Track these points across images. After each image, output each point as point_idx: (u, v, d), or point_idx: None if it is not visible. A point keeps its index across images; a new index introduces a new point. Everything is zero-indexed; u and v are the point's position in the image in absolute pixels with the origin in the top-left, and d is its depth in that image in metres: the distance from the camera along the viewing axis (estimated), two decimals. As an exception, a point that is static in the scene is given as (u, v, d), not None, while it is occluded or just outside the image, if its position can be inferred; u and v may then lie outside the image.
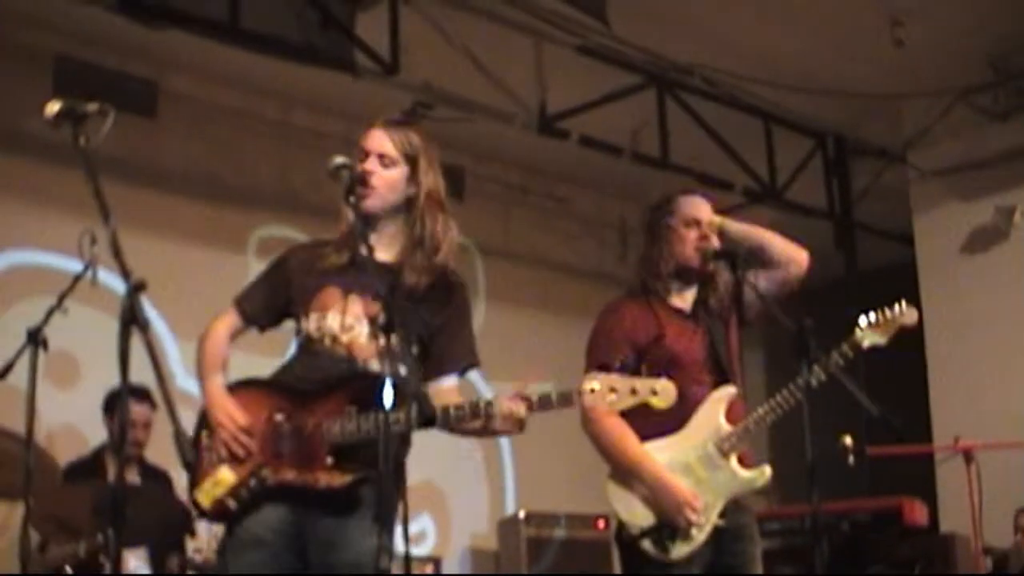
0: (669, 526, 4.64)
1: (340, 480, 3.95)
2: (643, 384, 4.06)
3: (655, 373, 4.72)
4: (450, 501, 9.80)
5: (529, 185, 10.71)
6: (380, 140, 4.32)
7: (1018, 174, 9.75)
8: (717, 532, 4.71)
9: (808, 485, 4.44)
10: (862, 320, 4.85)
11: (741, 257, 4.88)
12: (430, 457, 9.09)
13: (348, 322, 4.16)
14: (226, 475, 4.04)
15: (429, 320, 4.27)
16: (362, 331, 4.14)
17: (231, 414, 4.03)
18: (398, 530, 3.63)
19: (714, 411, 4.81)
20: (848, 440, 5.74)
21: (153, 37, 7.75)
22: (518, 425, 4.12)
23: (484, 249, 10.42)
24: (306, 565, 4.01)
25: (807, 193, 10.30)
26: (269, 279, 4.38)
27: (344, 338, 4.12)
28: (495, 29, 8.31)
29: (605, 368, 4.57)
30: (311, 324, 4.17)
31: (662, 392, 4.06)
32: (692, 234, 4.97)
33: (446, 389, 4.32)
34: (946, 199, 10.25)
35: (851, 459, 5.44)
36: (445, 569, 9.13)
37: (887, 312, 4.88)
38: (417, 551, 9.13)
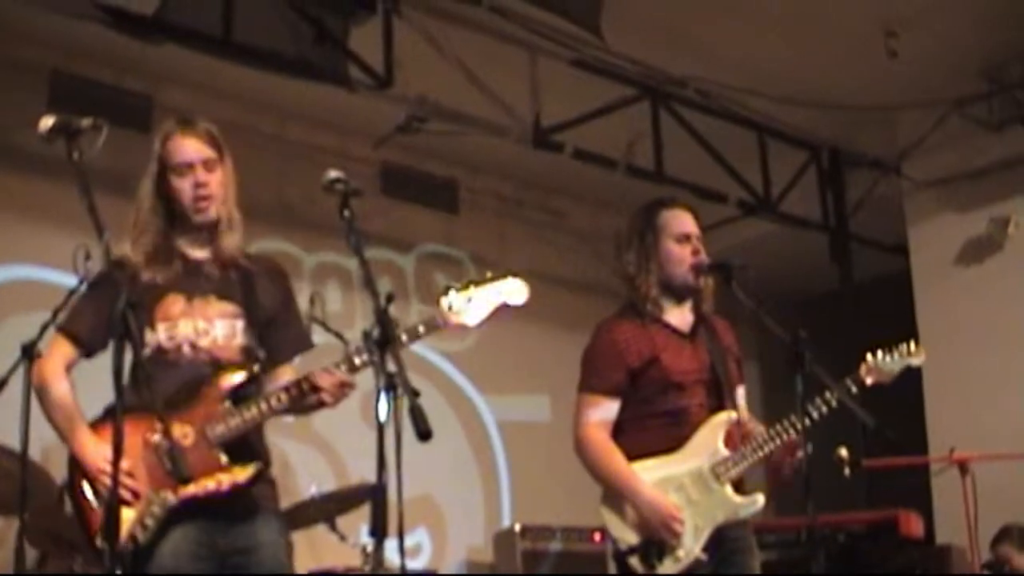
0: (655, 544, 4.66)
1: (243, 474, 3.96)
2: (494, 288, 4.29)
3: (650, 394, 4.78)
4: (446, 514, 9.78)
5: (523, 198, 10.72)
6: (196, 147, 4.31)
7: (1013, 185, 9.75)
8: (716, 545, 4.72)
9: (804, 497, 4.46)
10: (869, 357, 4.85)
11: (735, 268, 4.88)
12: (426, 471, 9.10)
13: (202, 326, 4.16)
14: (125, 513, 3.92)
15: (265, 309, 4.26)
16: (217, 333, 4.13)
17: (108, 460, 3.70)
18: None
19: (713, 435, 4.83)
20: (844, 452, 5.75)
21: (148, 52, 7.75)
22: (347, 390, 4.10)
23: (478, 262, 10.40)
24: None
25: (801, 205, 10.30)
26: (94, 300, 4.25)
27: (203, 342, 4.10)
28: (489, 42, 8.31)
29: (595, 390, 4.66)
30: (160, 335, 4.14)
31: (515, 289, 4.34)
32: (686, 251, 4.96)
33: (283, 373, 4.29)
34: (940, 210, 10.25)
35: (847, 471, 5.44)
36: (441, 583, 9.12)
37: (895, 351, 4.88)
38: (413, 564, 9.12)
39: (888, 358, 4.89)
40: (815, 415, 4.71)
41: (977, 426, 9.33)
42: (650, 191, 8.64)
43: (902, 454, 8.21)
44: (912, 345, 4.94)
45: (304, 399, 4.10)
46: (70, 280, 5.25)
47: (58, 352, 4.24)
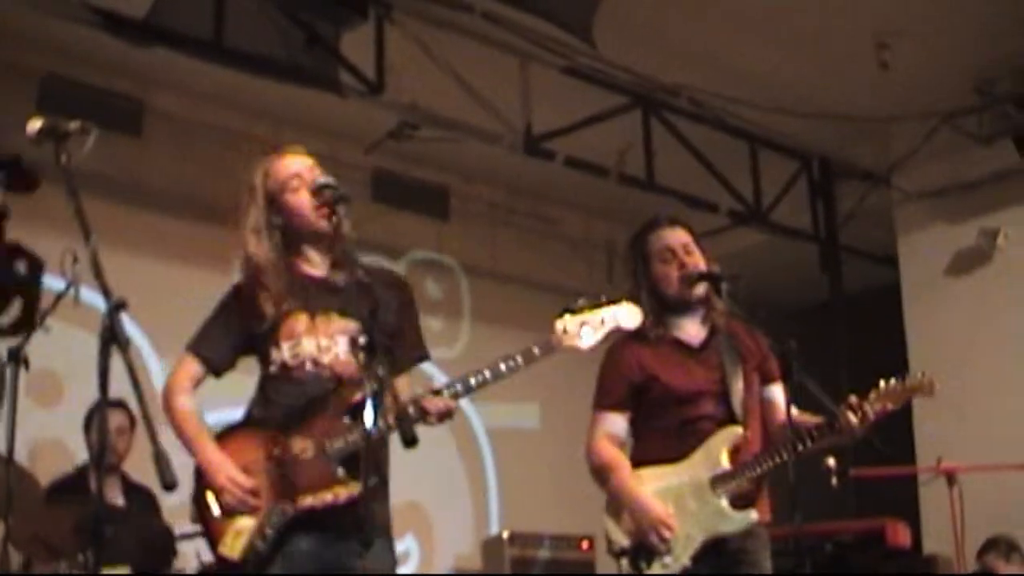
0: (644, 549, 4.70)
1: (358, 487, 3.99)
2: (609, 311, 4.32)
3: (655, 407, 4.83)
4: (434, 521, 9.79)
5: (515, 205, 10.72)
6: (303, 159, 4.49)
7: (1002, 197, 9.77)
8: (716, 556, 4.75)
9: (791, 507, 4.47)
10: (881, 384, 4.85)
11: (725, 277, 4.89)
12: (415, 478, 9.09)
13: (324, 343, 4.22)
14: (245, 522, 4.08)
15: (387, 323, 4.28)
16: (339, 349, 4.19)
17: (232, 477, 4.07)
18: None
19: (717, 448, 4.85)
20: (832, 461, 5.77)
21: (139, 55, 7.76)
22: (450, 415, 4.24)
23: (469, 269, 10.43)
24: None
25: (792, 215, 10.32)
26: (223, 320, 4.40)
27: (325, 359, 4.17)
28: (481, 49, 8.32)
29: (601, 407, 4.75)
30: (285, 353, 4.23)
31: (628, 312, 4.37)
32: (671, 267, 4.98)
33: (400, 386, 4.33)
34: (930, 222, 10.27)
35: (835, 480, 5.45)
36: (428, 589, 9.12)
37: (906, 379, 4.89)
38: (401, 571, 9.10)
39: (899, 385, 4.88)
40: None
41: (965, 437, 9.35)
42: (641, 199, 8.69)
43: (890, 464, 8.20)
44: (923, 374, 4.94)
45: (413, 422, 4.15)
46: (58, 284, 5.25)
47: (184, 371, 4.36)
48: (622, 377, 4.94)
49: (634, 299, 4.82)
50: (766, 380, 5.07)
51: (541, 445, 10.15)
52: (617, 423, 4.96)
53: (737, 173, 9.76)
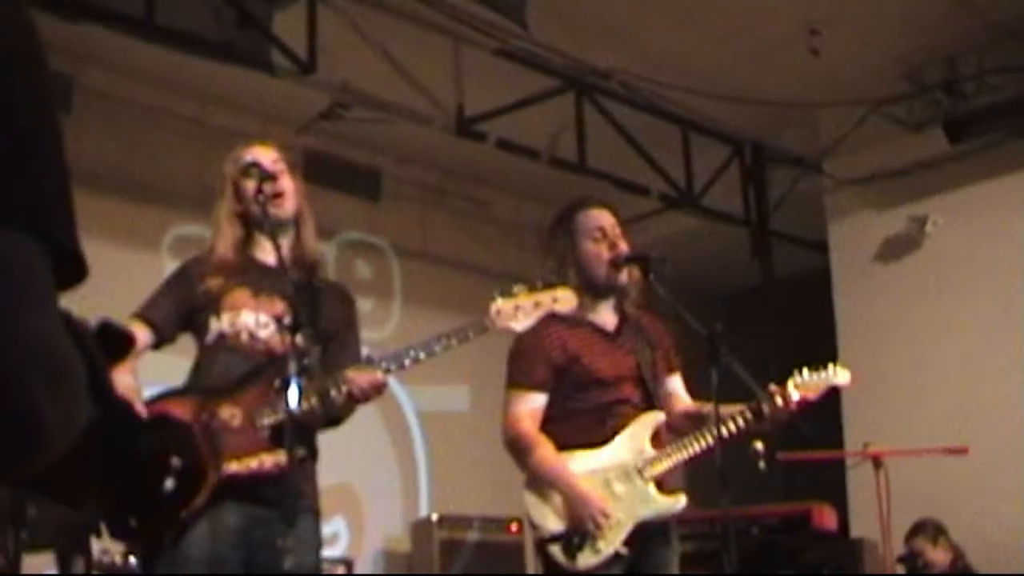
0: (578, 535, 4.68)
1: (286, 457, 3.99)
2: (544, 296, 4.39)
3: (575, 390, 4.82)
4: (364, 503, 9.76)
5: (447, 187, 10.70)
6: (269, 151, 4.60)
7: (931, 184, 9.85)
8: (635, 540, 4.75)
9: (719, 489, 4.50)
10: (796, 377, 4.90)
11: (653, 260, 4.90)
12: (344, 459, 9.07)
13: (263, 319, 4.27)
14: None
15: (327, 326, 4.40)
16: (274, 329, 4.22)
17: None
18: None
19: (641, 433, 4.87)
20: (759, 445, 5.77)
21: (69, 31, 7.65)
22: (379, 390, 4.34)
23: (400, 251, 10.40)
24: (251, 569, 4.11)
25: (724, 200, 10.35)
26: (170, 290, 4.50)
27: (262, 334, 4.20)
28: (413, 30, 8.28)
29: (521, 385, 4.72)
30: (224, 323, 4.25)
31: (562, 298, 4.43)
32: (602, 247, 4.98)
33: None
34: (860, 208, 10.35)
35: (762, 464, 5.46)
36: (357, 571, 9.08)
37: (820, 372, 4.94)
38: (330, 553, 9.08)
39: (815, 376, 4.93)
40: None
41: (892, 421, 9.43)
42: (573, 182, 8.69)
43: (818, 448, 8.27)
44: (837, 368, 4.99)
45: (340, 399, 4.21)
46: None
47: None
48: (546, 357, 4.90)
49: (556, 276, 4.85)
50: (668, 370, 5.11)
51: (471, 428, 10.14)
52: (538, 403, 4.91)
53: (669, 158, 9.78)
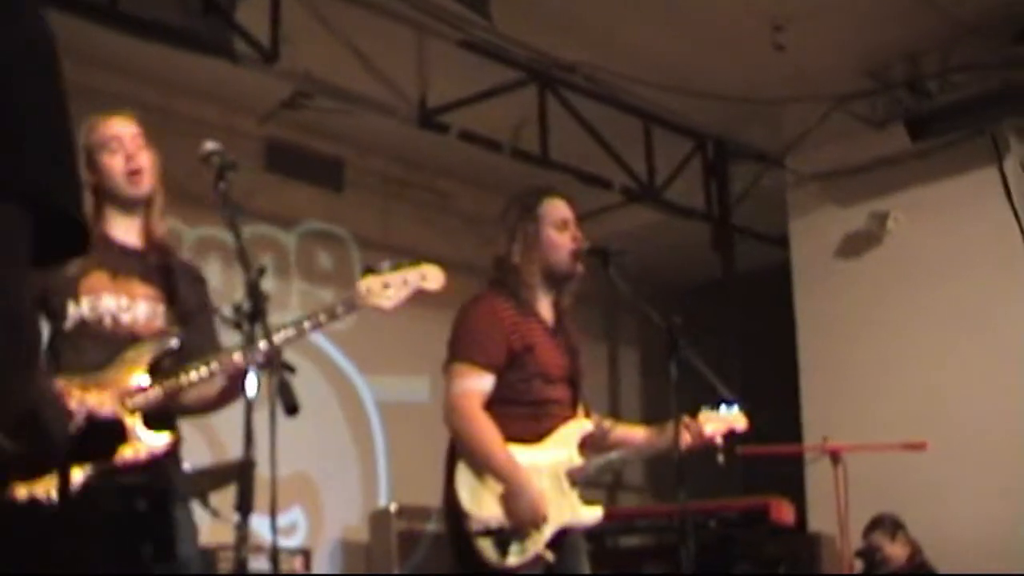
0: (512, 532, 4.63)
1: (159, 442, 3.95)
2: (412, 273, 4.39)
3: (519, 380, 4.78)
4: (322, 493, 9.74)
5: (409, 179, 10.67)
6: (128, 124, 4.42)
7: (892, 181, 9.89)
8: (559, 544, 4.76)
9: (676, 483, 4.51)
10: (704, 412, 4.96)
11: (613, 252, 4.90)
12: (303, 449, 9.06)
13: (124, 303, 4.20)
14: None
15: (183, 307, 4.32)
16: (139, 312, 4.15)
17: None
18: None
19: (572, 438, 4.87)
20: (718, 440, 5.80)
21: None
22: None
23: (361, 241, 10.37)
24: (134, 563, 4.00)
25: (686, 194, 10.36)
26: None
27: (125, 318, 4.13)
28: (377, 20, 8.26)
29: (476, 362, 4.66)
30: (84, 308, 4.16)
31: (431, 277, 4.44)
32: (565, 237, 4.97)
33: None
34: (822, 204, 10.38)
35: (721, 458, 5.48)
36: (315, 561, 9.05)
37: (721, 412, 5.00)
38: (288, 543, 9.07)
39: (716, 415, 4.99)
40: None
41: (851, 417, 9.47)
42: (536, 175, 8.68)
43: (776, 442, 8.30)
44: (736, 409, 5.04)
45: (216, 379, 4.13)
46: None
47: None
48: (504, 338, 4.82)
49: (523, 259, 4.84)
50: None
51: (431, 419, 10.04)
52: (488, 384, 4.79)
53: (631, 151, 9.77)
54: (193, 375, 4.04)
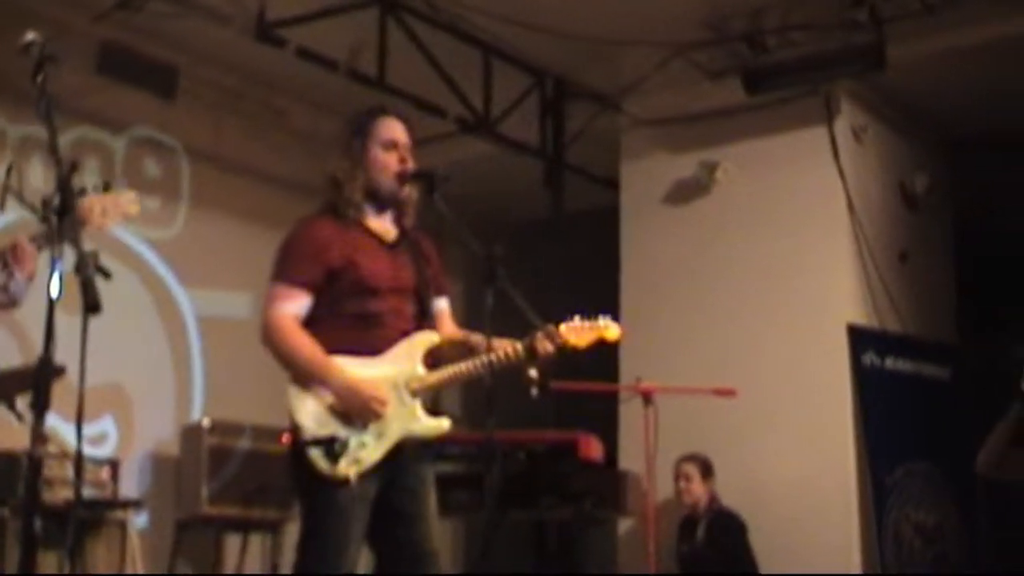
0: (339, 440, 4.65)
1: None
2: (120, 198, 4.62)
3: (343, 295, 4.78)
4: (135, 404, 9.61)
5: (244, 92, 10.51)
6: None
7: (725, 133, 10.03)
8: (395, 455, 4.76)
9: (486, 413, 4.54)
10: (569, 321, 4.92)
11: (438, 177, 4.91)
12: (117, 359, 8.94)
13: None
14: None
15: None
16: None
17: None
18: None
19: (414, 351, 4.87)
20: (533, 372, 5.86)
21: None
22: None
23: (192, 152, 10.22)
24: None
25: (520, 129, 10.38)
26: None
27: None
28: (220, -73, 8.13)
29: (292, 282, 4.65)
30: None
31: (127, 200, 4.65)
32: (391, 158, 4.98)
33: None
34: (654, 149, 10.48)
35: (534, 391, 5.54)
36: (123, 472, 8.93)
37: (593, 321, 4.96)
38: (97, 452, 8.96)
39: (587, 324, 4.97)
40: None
41: (665, 360, 9.62)
42: (371, 98, 8.59)
43: (593, 380, 8.39)
44: (608, 320, 5.02)
45: None
46: None
47: None
48: (320, 257, 4.84)
49: (346, 176, 4.86)
50: (438, 291, 5.13)
51: (251, 336, 10.00)
52: (304, 305, 4.83)
53: (469, 83, 9.75)
54: None
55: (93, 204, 4.38)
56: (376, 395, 4.69)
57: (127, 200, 4.67)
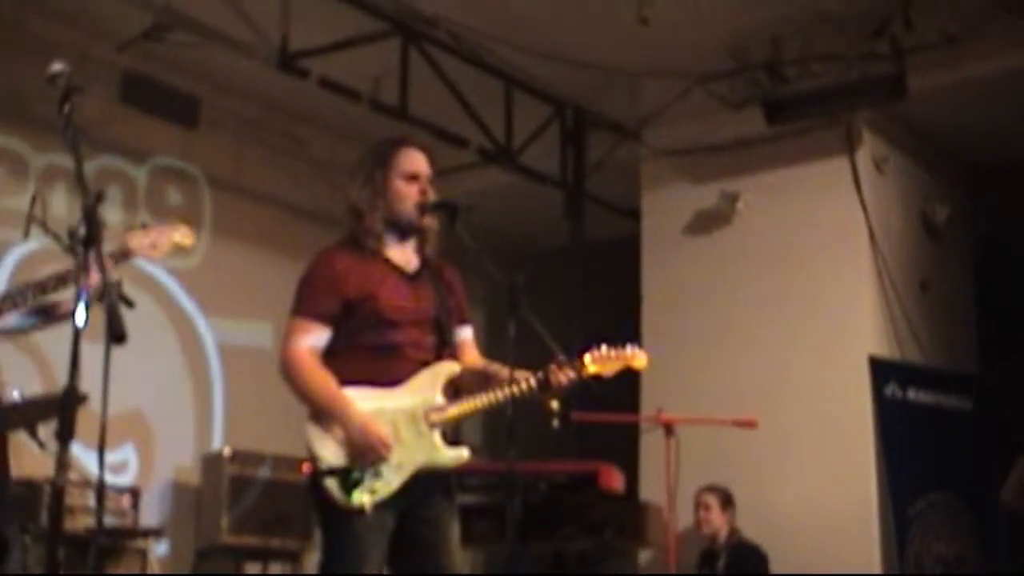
0: (356, 471, 4.65)
1: None
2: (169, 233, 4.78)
3: (362, 327, 4.78)
4: (156, 432, 9.63)
5: (265, 121, 10.55)
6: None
7: (746, 163, 10.03)
8: (414, 486, 4.75)
9: (506, 443, 4.53)
10: (594, 351, 4.90)
11: (461, 207, 4.91)
12: (138, 386, 8.94)
13: None
14: None
15: None
16: None
17: None
18: None
19: (434, 381, 4.85)
20: (555, 403, 5.85)
21: None
22: None
23: (213, 181, 10.26)
24: None
25: (541, 159, 10.39)
26: None
27: None
28: (241, -42, 8.17)
29: (309, 315, 4.67)
30: None
31: (181, 235, 4.89)
32: (412, 189, 4.98)
33: None
34: (675, 180, 10.48)
35: (556, 422, 5.53)
36: (144, 500, 8.94)
37: (619, 350, 4.94)
38: (118, 480, 8.97)
39: (612, 353, 4.95)
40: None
41: (687, 391, 9.60)
42: (393, 128, 8.64)
43: (614, 411, 8.38)
44: (635, 348, 5.00)
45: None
46: None
47: None
48: (337, 289, 4.83)
49: (367, 206, 4.87)
50: (460, 321, 5.13)
51: (271, 365, 10.01)
52: (322, 338, 4.83)
53: (491, 112, 9.78)
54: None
55: (142, 237, 4.45)
56: (383, 438, 4.67)
57: (181, 234, 4.88)
